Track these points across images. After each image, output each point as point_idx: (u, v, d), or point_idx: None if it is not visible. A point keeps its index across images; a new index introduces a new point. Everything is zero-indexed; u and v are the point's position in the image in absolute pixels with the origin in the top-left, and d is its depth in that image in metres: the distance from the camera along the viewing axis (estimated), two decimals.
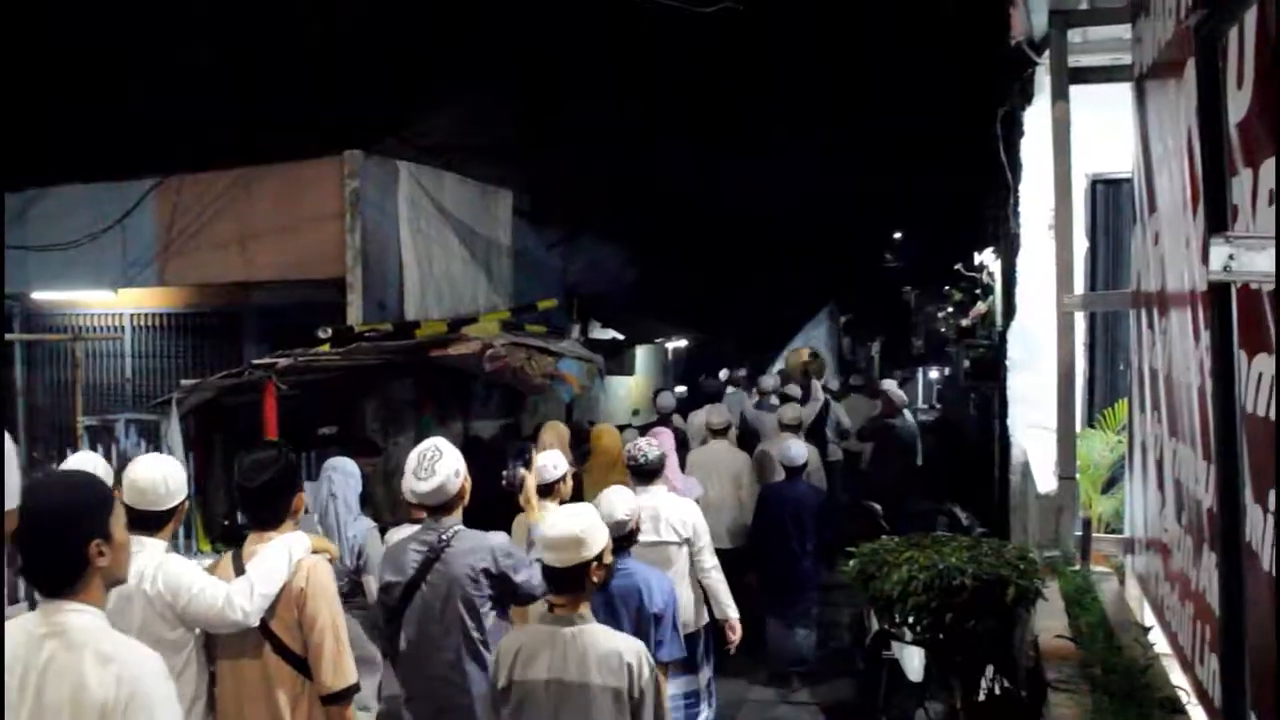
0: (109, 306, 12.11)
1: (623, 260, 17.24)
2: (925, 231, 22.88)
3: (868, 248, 26.90)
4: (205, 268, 11.02)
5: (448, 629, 4.47)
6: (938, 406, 23.18)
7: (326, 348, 8.74)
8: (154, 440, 8.86)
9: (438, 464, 4.46)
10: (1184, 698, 3.80)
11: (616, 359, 14.87)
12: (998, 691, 4.69)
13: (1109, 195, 7.48)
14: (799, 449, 8.61)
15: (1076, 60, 6.27)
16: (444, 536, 4.50)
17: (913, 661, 6.54)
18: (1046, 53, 6.99)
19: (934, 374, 26.60)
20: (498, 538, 4.64)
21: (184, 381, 7.95)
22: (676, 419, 11.37)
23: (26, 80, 10.23)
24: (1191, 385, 3.73)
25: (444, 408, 11.54)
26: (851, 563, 5.05)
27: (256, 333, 11.49)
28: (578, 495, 6.98)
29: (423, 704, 4.53)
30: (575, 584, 3.83)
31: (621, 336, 15.36)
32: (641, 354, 17.50)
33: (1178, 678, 3.99)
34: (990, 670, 4.70)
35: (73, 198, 11.40)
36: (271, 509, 3.98)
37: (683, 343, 19.61)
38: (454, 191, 11.71)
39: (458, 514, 4.62)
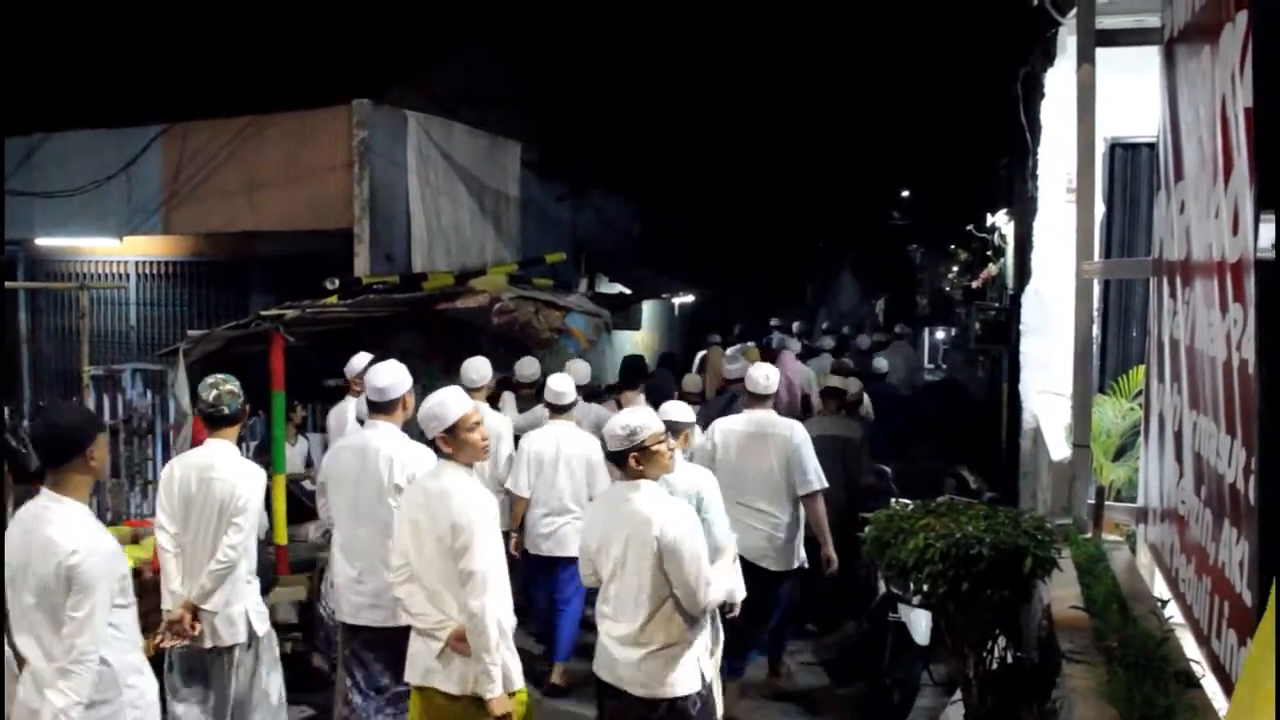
0: (114, 254, 12.06)
1: (631, 214, 17.14)
2: (933, 190, 22.75)
3: (874, 205, 26.78)
4: (211, 216, 10.96)
5: None
6: (944, 367, 23.11)
7: (334, 299, 8.69)
8: (160, 390, 8.84)
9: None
10: (1199, 671, 3.78)
11: (623, 314, 14.82)
12: (1009, 660, 4.69)
13: (1127, 159, 7.37)
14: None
15: (1101, 21, 6.13)
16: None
17: (919, 625, 6.55)
18: (1070, 13, 6.89)
19: (940, 334, 26.45)
20: None
21: (191, 332, 7.90)
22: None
23: (32, 22, 10.11)
24: (1216, 358, 3.67)
25: (450, 360, 11.48)
26: (867, 529, 5.03)
27: (262, 282, 11.45)
28: None
29: None
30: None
31: (629, 291, 15.29)
32: (648, 309, 17.44)
33: (1191, 649, 3.98)
34: (1002, 639, 4.69)
35: (78, 143, 11.31)
36: None
37: (689, 298, 19.54)
38: (463, 142, 11.60)
39: None
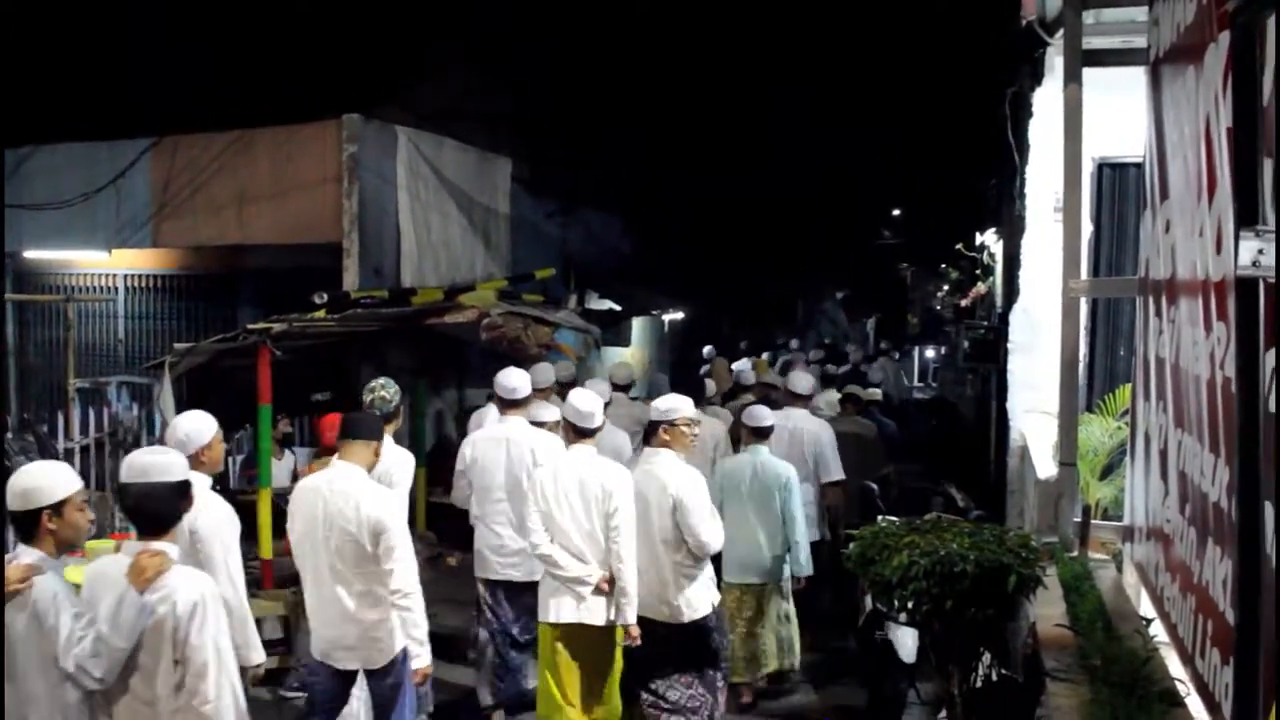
0: (102, 267, 12.01)
1: (621, 230, 17.13)
2: (924, 209, 22.82)
3: (865, 224, 26.85)
4: (200, 230, 10.94)
5: None
6: (934, 385, 23.18)
7: (322, 313, 8.66)
8: (146, 403, 8.80)
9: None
10: (1183, 690, 3.78)
11: (613, 330, 14.79)
12: (995, 678, 4.67)
13: (1115, 179, 7.40)
14: None
15: (1088, 42, 6.17)
16: None
17: (906, 643, 6.51)
18: (1057, 34, 6.92)
19: (930, 353, 26.50)
20: None
21: (178, 345, 7.88)
22: None
23: (22, 35, 10.10)
24: (1200, 377, 3.68)
25: (439, 375, 11.46)
26: (852, 546, 5.01)
27: (251, 296, 11.40)
28: None
29: None
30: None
31: (618, 307, 15.27)
32: (638, 325, 17.40)
33: (1176, 668, 3.97)
34: (987, 657, 4.67)
35: (67, 156, 11.28)
36: None
37: (679, 315, 19.53)
38: (453, 158, 11.60)
39: None
